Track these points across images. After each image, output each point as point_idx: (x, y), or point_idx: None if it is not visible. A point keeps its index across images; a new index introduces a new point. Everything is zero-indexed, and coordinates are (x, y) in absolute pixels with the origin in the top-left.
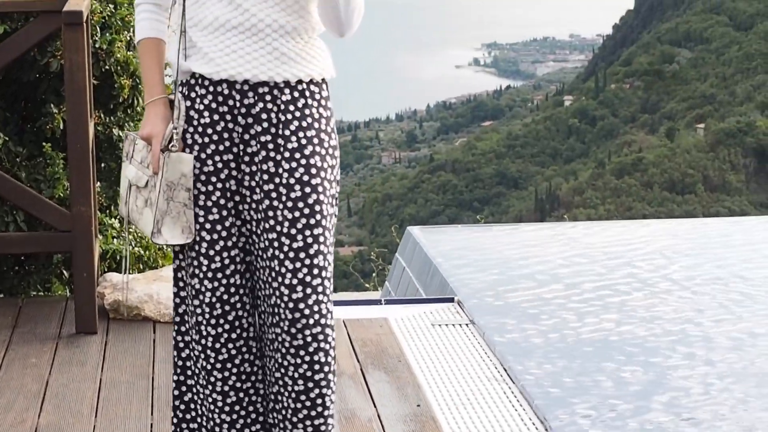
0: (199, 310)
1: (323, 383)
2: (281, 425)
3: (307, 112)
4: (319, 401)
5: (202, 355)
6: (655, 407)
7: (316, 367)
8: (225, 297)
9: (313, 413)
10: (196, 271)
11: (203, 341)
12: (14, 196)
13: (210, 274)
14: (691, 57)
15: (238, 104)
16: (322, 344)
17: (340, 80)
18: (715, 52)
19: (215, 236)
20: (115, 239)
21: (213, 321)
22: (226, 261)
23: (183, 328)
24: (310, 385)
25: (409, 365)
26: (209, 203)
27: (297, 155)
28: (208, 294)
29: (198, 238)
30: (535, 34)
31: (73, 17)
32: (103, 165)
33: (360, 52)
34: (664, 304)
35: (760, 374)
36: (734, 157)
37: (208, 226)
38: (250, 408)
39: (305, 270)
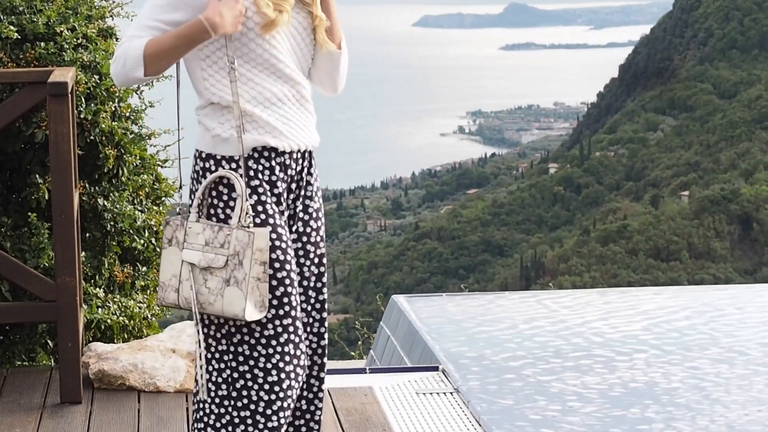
0: (293, 375)
1: None
2: None
3: (317, 172)
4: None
5: (286, 418)
6: None
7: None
8: (306, 357)
9: None
10: (292, 337)
11: (289, 402)
12: None
13: (303, 336)
14: (675, 125)
15: (292, 172)
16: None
17: (325, 149)
18: (699, 120)
19: (299, 298)
20: (99, 309)
21: (302, 383)
22: (302, 324)
23: (239, 404)
24: (318, 428)
25: None
26: (295, 267)
27: (320, 214)
28: (303, 357)
29: (294, 303)
30: (520, 102)
31: (58, 88)
32: (87, 235)
33: (346, 121)
34: (657, 373)
35: None
36: (719, 225)
37: (298, 289)
38: None
39: (326, 320)
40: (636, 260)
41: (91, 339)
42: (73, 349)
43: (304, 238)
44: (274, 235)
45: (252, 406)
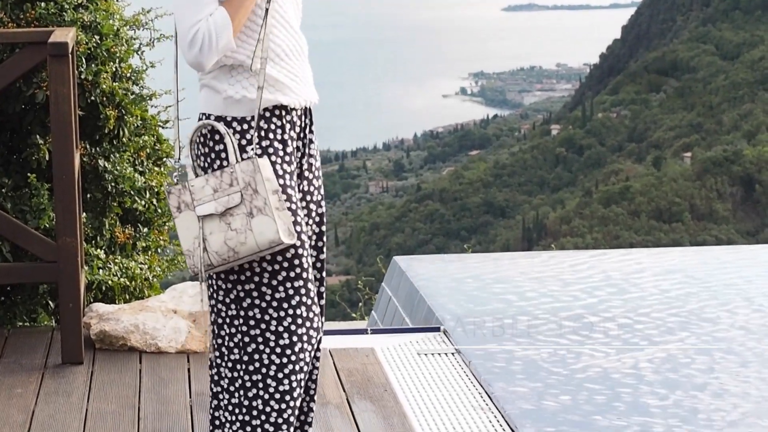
0: (305, 337)
1: None
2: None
3: (315, 131)
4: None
5: (299, 382)
6: None
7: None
8: (320, 318)
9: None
10: (304, 299)
11: (305, 366)
12: (0, 227)
13: (315, 299)
14: (677, 86)
15: (298, 129)
16: None
17: (327, 110)
18: (702, 81)
19: (311, 260)
20: (100, 270)
21: (315, 345)
22: (314, 286)
23: (251, 367)
24: (315, 387)
25: (395, 394)
26: (305, 228)
27: (320, 173)
28: (316, 319)
29: (306, 265)
30: (522, 64)
31: (59, 49)
32: (88, 196)
33: (348, 83)
34: (655, 331)
35: None
36: (721, 186)
37: (307, 252)
38: None
39: (324, 279)
40: (638, 222)
41: (92, 300)
42: (74, 310)
43: (308, 197)
44: (284, 196)
45: (264, 370)
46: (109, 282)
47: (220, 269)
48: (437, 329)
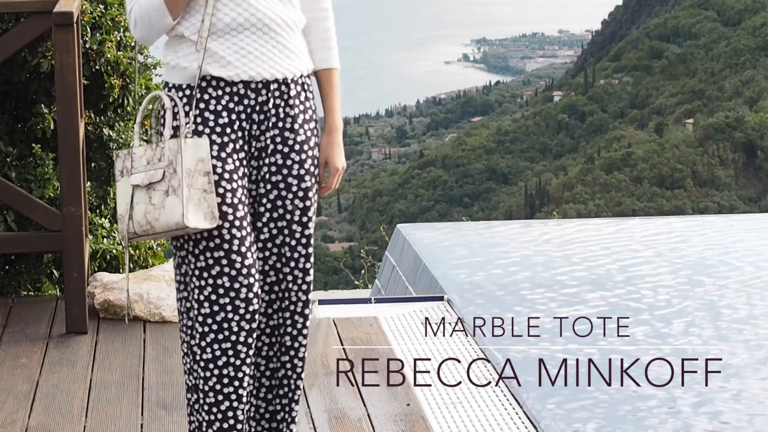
0: (229, 307)
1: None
2: (286, 408)
3: (307, 104)
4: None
5: (237, 353)
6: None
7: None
8: (254, 290)
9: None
10: (225, 269)
11: (234, 337)
12: (4, 196)
13: (244, 271)
14: (679, 52)
15: (252, 102)
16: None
17: None
18: (704, 48)
19: (244, 233)
20: (105, 239)
21: (248, 316)
22: (252, 256)
23: (187, 334)
24: (302, 365)
25: (399, 363)
26: (235, 200)
27: (306, 147)
28: (244, 290)
29: (229, 236)
30: (524, 30)
31: (64, 18)
32: (93, 165)
33: (349, 48)
34: (663, 303)
35: None
36: (723, 152)
37: (237, 223)
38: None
39: (312, 255)
40: (640, 188)
41: (96, 269)
42: (79, 279)
43: (284, 171)
44: (215, 177)
45: (197, 336)
46: (114, 251)
47: (143, 239)
48: (440, 298)
